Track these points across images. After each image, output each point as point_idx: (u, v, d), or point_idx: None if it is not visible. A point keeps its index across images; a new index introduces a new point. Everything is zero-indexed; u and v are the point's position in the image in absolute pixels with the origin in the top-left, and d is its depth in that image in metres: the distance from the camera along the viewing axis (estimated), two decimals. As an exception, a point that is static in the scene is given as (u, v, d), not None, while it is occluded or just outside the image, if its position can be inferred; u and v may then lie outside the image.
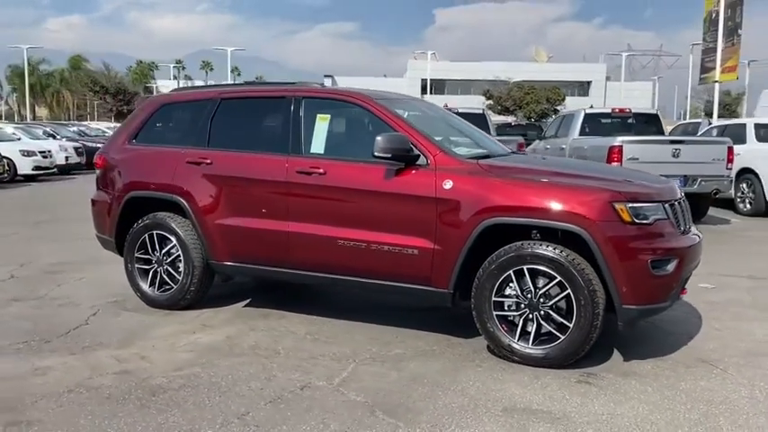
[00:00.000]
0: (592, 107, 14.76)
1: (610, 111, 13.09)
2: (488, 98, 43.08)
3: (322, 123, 4.89)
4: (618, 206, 3.96)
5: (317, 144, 4.86)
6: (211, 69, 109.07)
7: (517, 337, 4.16)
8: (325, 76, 68.31)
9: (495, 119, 38.59)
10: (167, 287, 5.37)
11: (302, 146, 4.87)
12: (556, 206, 4.03)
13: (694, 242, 4.26)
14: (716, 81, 18.02)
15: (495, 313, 4.21)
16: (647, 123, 12.84)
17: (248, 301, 5.67)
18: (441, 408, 3.54)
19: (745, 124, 12.87)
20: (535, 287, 4.11)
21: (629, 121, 12.81)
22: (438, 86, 63.62)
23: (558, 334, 4.06)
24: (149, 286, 5.42)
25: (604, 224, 3.93)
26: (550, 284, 4.06)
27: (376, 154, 4.37)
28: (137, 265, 5.45)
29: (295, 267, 4.88)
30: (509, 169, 4.45)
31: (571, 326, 4.02)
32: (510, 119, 38.02)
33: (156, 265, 5.39)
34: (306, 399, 3.64)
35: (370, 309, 5.53)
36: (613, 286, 3.94)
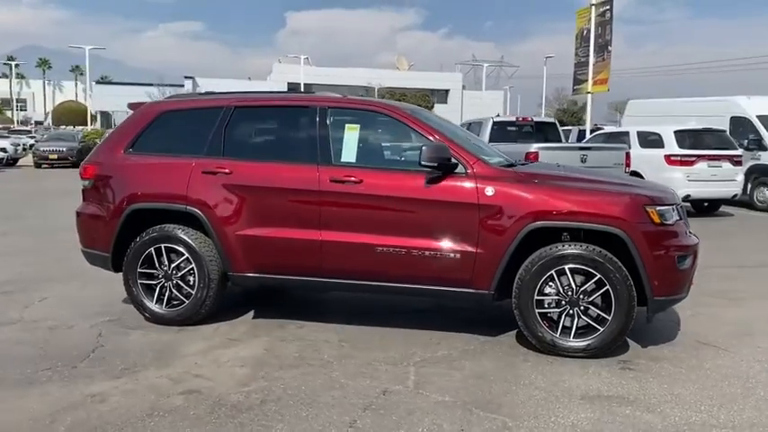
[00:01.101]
0: (498, 115, 15.68)
1: (515, 119, 14.01)
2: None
3: (352, 133, 4.95)
4: (649, 209, 4.44)
5: (348, 153, 4.92)
6: (49, 67, 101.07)
7: (559, 333, 4.51)
8: (186, 77, 65.71)
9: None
10: (176, 303, 5.15)
11: (332, 155, 4.90)
12: (597, 210, 4.43)
13: (698, 241, 4.85)
14: (588, 92, 19.80)
15: (537, 311, 4.53)
16: (546, 130, 13.90)
17: (251, 312, 5.55)
18: (526, 401, 3.79)
19: (628, 132, 14.32)
20: (576, 285, 4.47)
21: (531, 128, 13.81)
22: (307, 91, 63.44)
23: (597, 326, 4.46)
24: (155, 303, 5.16)
25: (640, 225, 4.39)
26: (590, 282, 4.45)
27: (423, 163, 4.54)
28: (140, 281, 5.17)
29: (328, 276, 4.90)
30: (543, 176, 4.79)
31: (610, 318, 4.43)
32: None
33: (163, 281, 5.14)
34: (397, 403, 3.73)
35: (378, 312, 5.64)
36: (647, 280, 4.40)
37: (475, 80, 77.60)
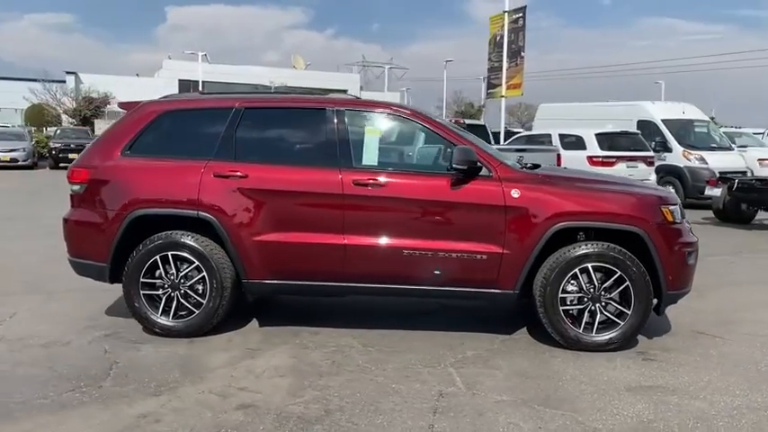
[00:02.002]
0: None
1: (449, 121, 14.30)
2: (262, 103, 43.18)
3: (372, 136, 4.91)
4: (664, 209, 4.72)
5: (369, 156, 4.87)
6: None
7: (582, 328, 4.70)
8: (67, 72, 61.67)
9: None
10: (183, 314, 4.89)
11: (352, 158, 4.84)
12: (620, 211, 4.67)
13: (697, 238, 5.20)
14: (502, 96, 20.62)
15: (561, 308, 4.70)
16: (477, 133, 14.30)
17: (254, 321, 5.35)
18: (580, 395, 3.93)
19: (550, 134, 15.05)
20: (597, 282, 4.68)
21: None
22: (218, 90, 61.77)
23: (618, 321, 4.69)
24: (161, 315, 4.87)
25: (657, 224, 4.67)
26: (611, 279, 4.67)
27: (455, 166, 4.59)
28: (143, 292, 4.86)
29: (351, 280, 4.83)
30: (563, 179, 4.97)
31: (630, 313, 4.67)
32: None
33: (169, 291, 4.87)
34: (461, 405, 3.76)
35: (383, 315, 5.61)
36: (663, 275, 4.68)
37: (365, 81, 78.41)
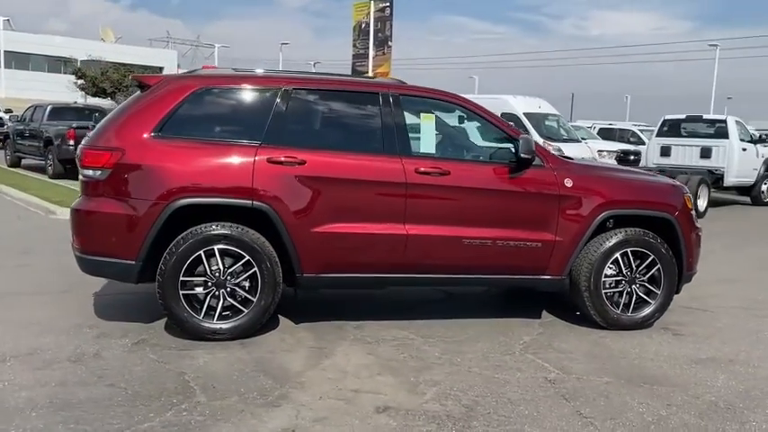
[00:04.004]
0: None
1: None
2: (80, 77, 38.94)
3: (428, 123, 4.78)
4: (686, 196, 5.19)
5: (427, 144, 4.75)
6: None
7: (620, 309, 5.03)
8: None
9: (91, 102, 35.25)
10: (227, 314, 4.42)
11: (410, 145, 4.68)
12: (655, 199, 5.05)
13: None
14: (367, 83, 20.86)
15: (604, 292, 4.97)
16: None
17: (278, 318, 4.99)
18: (663, 371, 4.22)
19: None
20: (633, 265, 5.02)
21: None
22: (20, 61, 55.36)
23: (649, 300, 5.08)
24: (204, 316, 4.36)
25: (682, 210, 5.11)
26: (646, 261, 5.03)
27: (522, 155, 4.63)
28: (182, 292, 4.31)
29: (410, 271, 4.69)
30: (604, 169, 5.24)
31: (659, 292, 5.08)
32: (107, 102, 35.29)
33: (214, 289, 4.37)
34: (580, 389, 3.85)
35: (401, 306, 5.54)
36: (685, 257, 5.14)
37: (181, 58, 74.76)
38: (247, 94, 4.61)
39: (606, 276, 4.99)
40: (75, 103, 20.74)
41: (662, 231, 5.09)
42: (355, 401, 3.56)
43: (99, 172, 4.27)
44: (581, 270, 4.95)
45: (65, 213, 9.74)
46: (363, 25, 20.68)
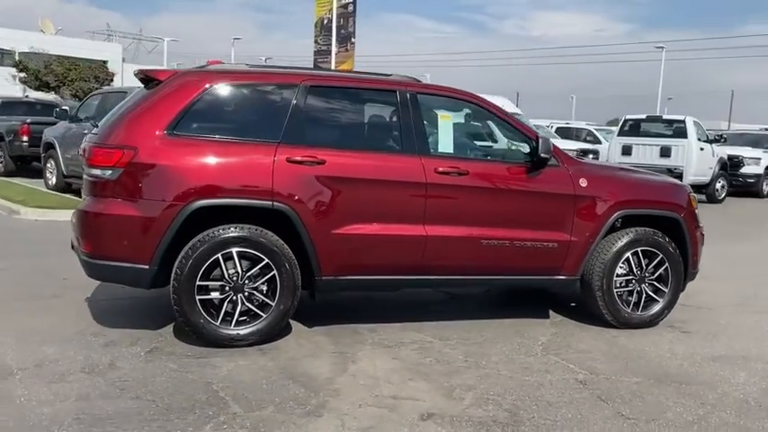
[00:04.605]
0: None
1: None
2: (21, 70, 37.30)
3: (445, 122, 4.70)
4: (690, 195, 5.27)
5: (445, 143, 4.68)
6: None
7: (631, 308, 5.07)
8: None
9: (33, 95, 33.81)
10: (244, 319, 4.25)
11: (428, 145, 4.60)
12: (665, 198, 5.11)
13: None
14: (330, 80, 20.61)
15: (616, 291, 5.00)
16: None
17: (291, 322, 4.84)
18: (684, 369, 4.27)
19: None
20: (643, 264, 5.07)
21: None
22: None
23: (657, 298, 5.13)
24: (221, 322, 4.18)
25: (688, 210, 5.19)
26: (655, 260, 5.09)
27: (542, 155, 4.61)
28: (199, 297, 4.12)
29: (427, 272, 4.62)
30: (615, 169, 5.27)
31: (667, 290, 5.14)
32: (51, 96, 33.92)
33: (231, 294, 4.19)
34: (614, 390, 3.84)
35: (399, 306, 5.48)
36: (690, 255, 5.22)
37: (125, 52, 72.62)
38: (264, 91, 4.44)
39: (617, 276, 5.03)
40: (27, 97, 19.82)
41: (668, 230, 5.15)
42: (397, 409, 3.46)
43: (110, 171, 4.03)
44: (594, 270, 4.97)
45: (29, 213, 9.31)
46: (326, 21, 20.44)
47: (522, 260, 4.79)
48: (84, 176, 4.29)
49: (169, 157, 4.07)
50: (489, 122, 5.04)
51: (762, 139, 19.83)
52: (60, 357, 3.95)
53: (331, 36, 19.94)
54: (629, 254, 5.01)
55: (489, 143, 5.23)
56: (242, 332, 4.21)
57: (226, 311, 4.19)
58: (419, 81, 4.95)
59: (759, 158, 18.16)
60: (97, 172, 4.08)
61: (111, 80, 40.52)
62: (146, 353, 4.08)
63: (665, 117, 16.94)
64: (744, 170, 17.91)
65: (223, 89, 4.32)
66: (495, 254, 4.69)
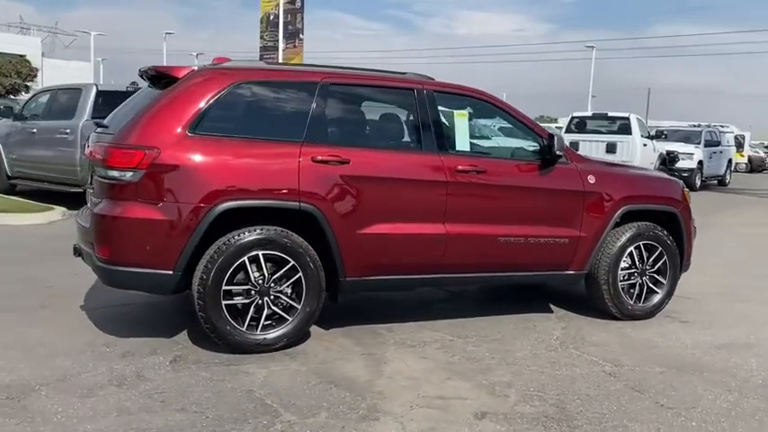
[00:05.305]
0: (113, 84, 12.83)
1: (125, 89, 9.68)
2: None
3: (461, 120, 4.70)
4: (684, 190, 5.48)
5: (462, 141, 4.67)
6: None
7: (633, 300, 5.23)
8: None
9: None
10: (269, 323, 4.13)
11: (446, 143, 4.59)
12: (665, 194, 5.28)
13: None
14: (277, 76, 20.28)
15: (620, 284, 5.15)
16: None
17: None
18: (696, 359, 4.43)
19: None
20: (645, 257, 5.23)
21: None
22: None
23: (656, 290, 5.31)
24: (246, 327, 4.05)
25: (684, 204, 5.39)
26: (655, 253, 5.26)
27: (557, 152, 4.68)
28: (225, 302, 3.98)
29: (446, 270, 4.62)
30: (617, 165, 5.40)
31: (666, 282, 5.33)
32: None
33: (257, 297, 4.06)
34: (645, 382, 3.94)
35: (405, 305, 5.47)
36: (685, 248, 5.44)
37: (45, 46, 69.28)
38: (285, 89, 4.32)
39: (621, 269, 5.17)
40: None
41: (665, 224, 5.34)
42: (449, 409, 3.45)
43: (130, 173, 3.83)
44: (600, 264, 5.09)
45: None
46: (272, 17, 20.11)
47: (536, 256, 4.86)
48: (97, 178, 4.05)
49: (193, 157, 3.90)
50: (502, 120, 5.08)
51: (692, 135, 20.85)
52: (81, 370, 3.73)
53: (278, 32, 19.64)
54: (631, 248, 5.16)
55: (497, 142, 5.26)
56: (269, 336, 4.09)
57: (251, 316, 4.06)
58: (432, 79, 4.93)
59: (692, 153, 19.10)
60: (115, 174, 3.86)
61: (35, 76, 38.65)
62: (170, 362, 3.90)
63: (609, 114, 17.55)
64: (679, 164, 18.76)
65: (243, 87, 4.18)
66: (510, 251, 4.74)
